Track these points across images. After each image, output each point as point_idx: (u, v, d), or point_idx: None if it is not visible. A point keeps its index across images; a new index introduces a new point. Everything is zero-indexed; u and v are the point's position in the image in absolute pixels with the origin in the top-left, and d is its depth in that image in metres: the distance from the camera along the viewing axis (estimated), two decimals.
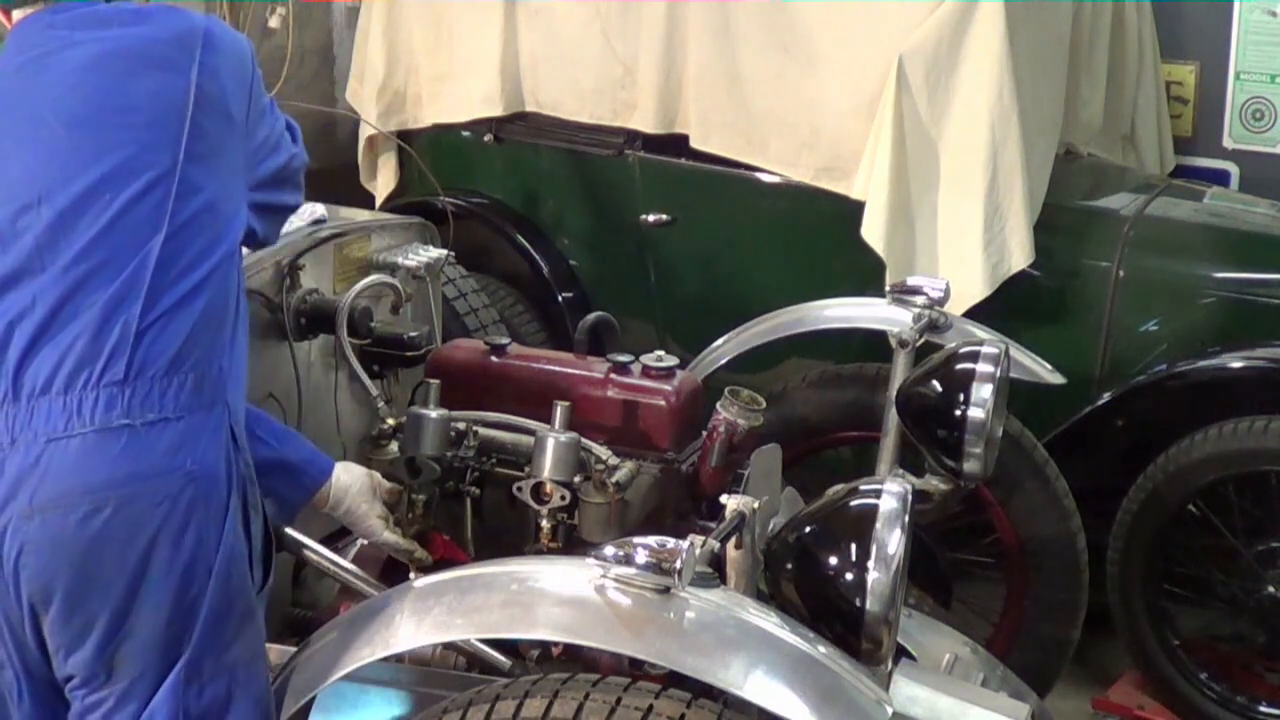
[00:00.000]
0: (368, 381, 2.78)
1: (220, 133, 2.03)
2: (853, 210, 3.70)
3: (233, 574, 1.94)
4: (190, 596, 1.89)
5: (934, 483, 2.77)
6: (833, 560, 1.97)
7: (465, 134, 4.51)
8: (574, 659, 2.28)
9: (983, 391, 2.61)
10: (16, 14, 2.08)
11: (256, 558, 2.02)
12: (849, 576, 1.94)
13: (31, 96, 1.99)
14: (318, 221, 2.93)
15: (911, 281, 3.10)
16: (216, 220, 2.00)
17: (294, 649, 2.12)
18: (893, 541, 1.94)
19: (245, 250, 2.16)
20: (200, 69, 2.01)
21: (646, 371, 2.74)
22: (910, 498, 2.00)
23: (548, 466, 2.46)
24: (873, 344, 3.21)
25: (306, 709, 2.06)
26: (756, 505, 2.18)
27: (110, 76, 1.99)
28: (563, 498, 2.45)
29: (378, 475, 2.50)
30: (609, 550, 1.79)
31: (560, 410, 2.49)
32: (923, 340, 2.97)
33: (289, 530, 2.38)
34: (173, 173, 1.95)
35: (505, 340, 2.87)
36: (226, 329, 2.00)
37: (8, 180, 1.97)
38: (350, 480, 2.43)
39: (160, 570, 1.87)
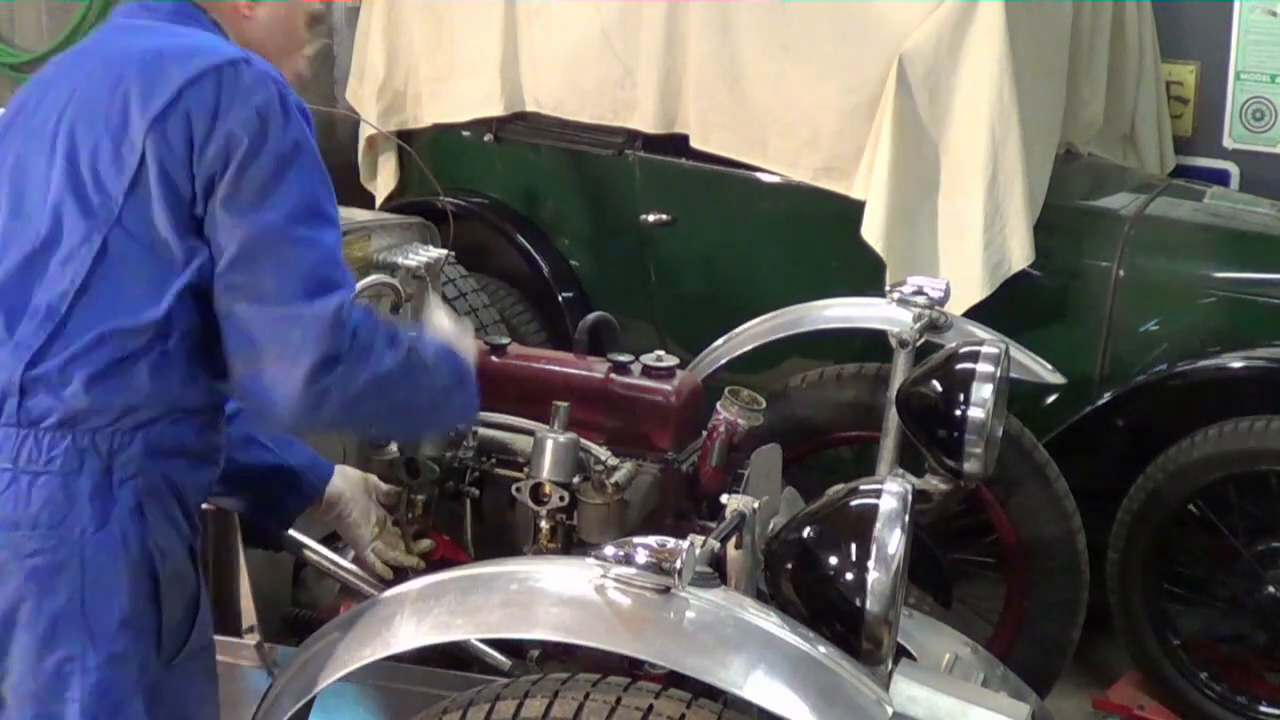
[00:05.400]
0: None
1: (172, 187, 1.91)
2: (853, 210, 3.70)
3: (117, 646, 1.88)
4: (58, 657, 1.86)
5: (934, 483, 2.77)
6: (833, 560, 1.97)
7: (465, 134, 4.51)
8: (575, 659, 2.28)
9: (983, 391, 2.61)
10: None
11: (171, 629, 1.95)
12: (849, 576, 1.94)
13: (46, 95, 1.99)
14: None
15: (911, 281, 3.09)
16: (150, 272, 1.90)
17: (294, 649, 2.12)
18: (893, 541, 1.94)
19: None
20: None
21: (646, 371, 2.74)
22: (910, 498, 2.00)
23: (546, 467, 2.45)
24: (873, 344, 3.21)
25: (306, 709, 2.06)
26: (756, 505, 2.18)
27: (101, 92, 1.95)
28: (561, 499, 2.45)
29: (373, 478, 2.50)
30: (609, 550, 1.79)
31: (559, 411, 2.49)
32: (923, 340, 2.97)
33: (289, 530, 2.38)
34: (103, 217, 1.89)
35: (505, 340, 2.87)
36: (176, 400, 1.93)
37: (17, 153, 1.98)
38: (345, 486, 2.43)
39: (25, 623, 1.86)
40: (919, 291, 3.05)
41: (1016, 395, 2.96)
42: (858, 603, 1.92)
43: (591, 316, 2.94)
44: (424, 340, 2.12)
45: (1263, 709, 3.42)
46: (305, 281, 1.90)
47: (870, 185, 3.67)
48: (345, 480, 2.43)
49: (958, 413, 2.61)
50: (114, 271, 1.89)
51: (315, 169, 1.97)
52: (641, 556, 1.77)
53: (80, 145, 1.92)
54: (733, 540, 2.11)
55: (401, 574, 2.46)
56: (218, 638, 2.36)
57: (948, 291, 3.09)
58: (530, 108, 4.36)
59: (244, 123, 1.90)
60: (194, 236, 1.91)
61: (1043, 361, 3.17)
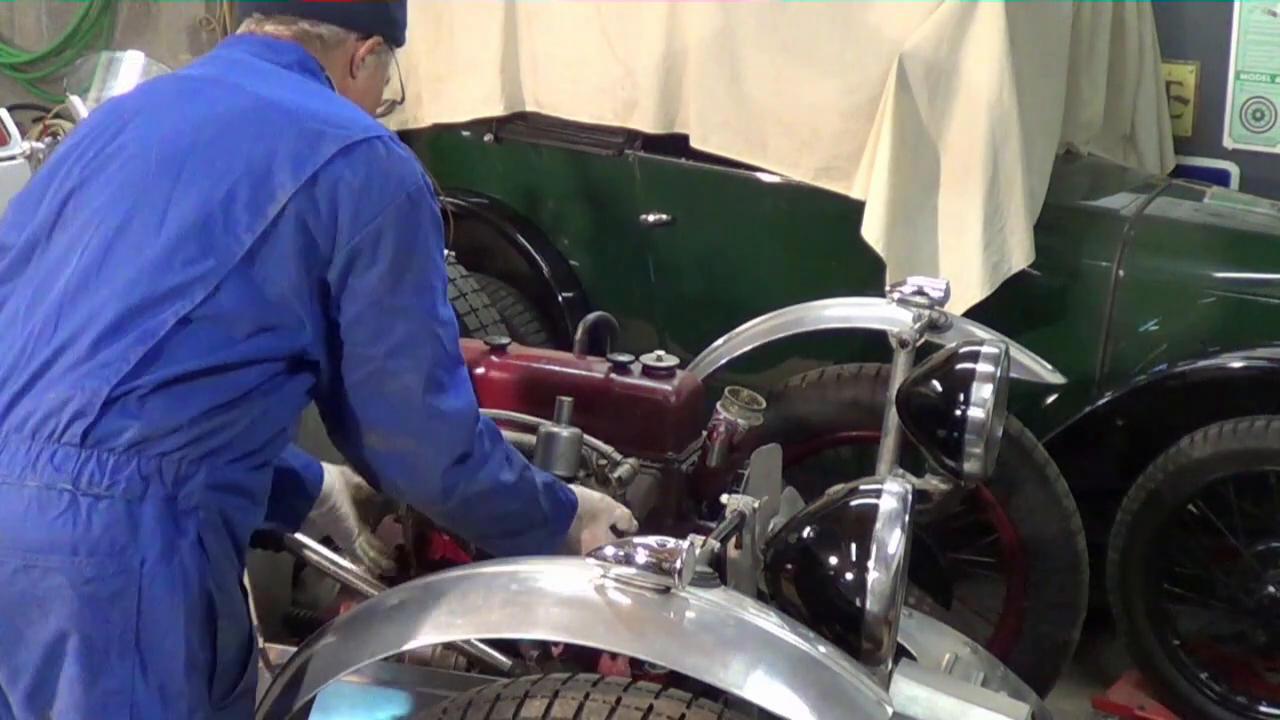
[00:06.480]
0: None
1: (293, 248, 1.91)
2: (853, 210, 3.70)
3: (169, 682, 1.84)
4: (104, 689, 1.81)
5: (934, 483, 2.77)
6: (833, 560, 1.97)
7: (465, 134, 4.52)
8: (574, 659, 2.28)
9: (983, 391, 2.61)
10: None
11: (225, 667, 1.90)
12: (849, 576, 1.94)
13: (164, 117, 1.99)
14: None
15: (911, 281, 3.09)
16: (256, 318, 1.89)
17: (294, 649, 2.12)
18: (893, 541, 1.94)
19: None
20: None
21: (646, 371, 2.74)
22: (910, 498, 2.00)
23: (551, 462, 2.45)
24: (873, 344, 3.21)
25: (306, 709, 2.06)
26: (756, 505, 2.18)
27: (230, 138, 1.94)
28: None
29: (348, 470, 2.48)
30: (609, 550, 1.79)
31: (563, 405, 2.49)
32: (923, 340, 2.97)
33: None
34: (225, 258, 1.87)
35: (505, 340, 2.87)
36: (241, 441, 1.90)
37: (90, 184, 1.95)
38: (333, 481, 2.43)
39: (74, 648, 1.80)
40: (919, 291, 3.05)
41: (1016, 395, 2.96)
42: (858, 603, 1.92)
43: (591, 316, 2.94)
44: (537, 471, 2.22)
45: (1263, 709, 3.43)
46: (448, 361, 2.02)
47: (870, 185, 3.67)
48: (331, 476, 2.43)
49: (958, 413, 2.61)
50: (222, 312, 1.86)
51: (442, 242, 2.05)
52: (641, 556, 1.77)
53: (219, 182, 1.90)
54: (733, 540, 2.11)
55: (401, 574, 2.46)
56: None
57: (948, 291, 3.09)
58: (530, 108, 4.36)
59: (397, 207, 1.94)
60: (315, 299, 1.93)
61: (1043, 361, 3.18)
